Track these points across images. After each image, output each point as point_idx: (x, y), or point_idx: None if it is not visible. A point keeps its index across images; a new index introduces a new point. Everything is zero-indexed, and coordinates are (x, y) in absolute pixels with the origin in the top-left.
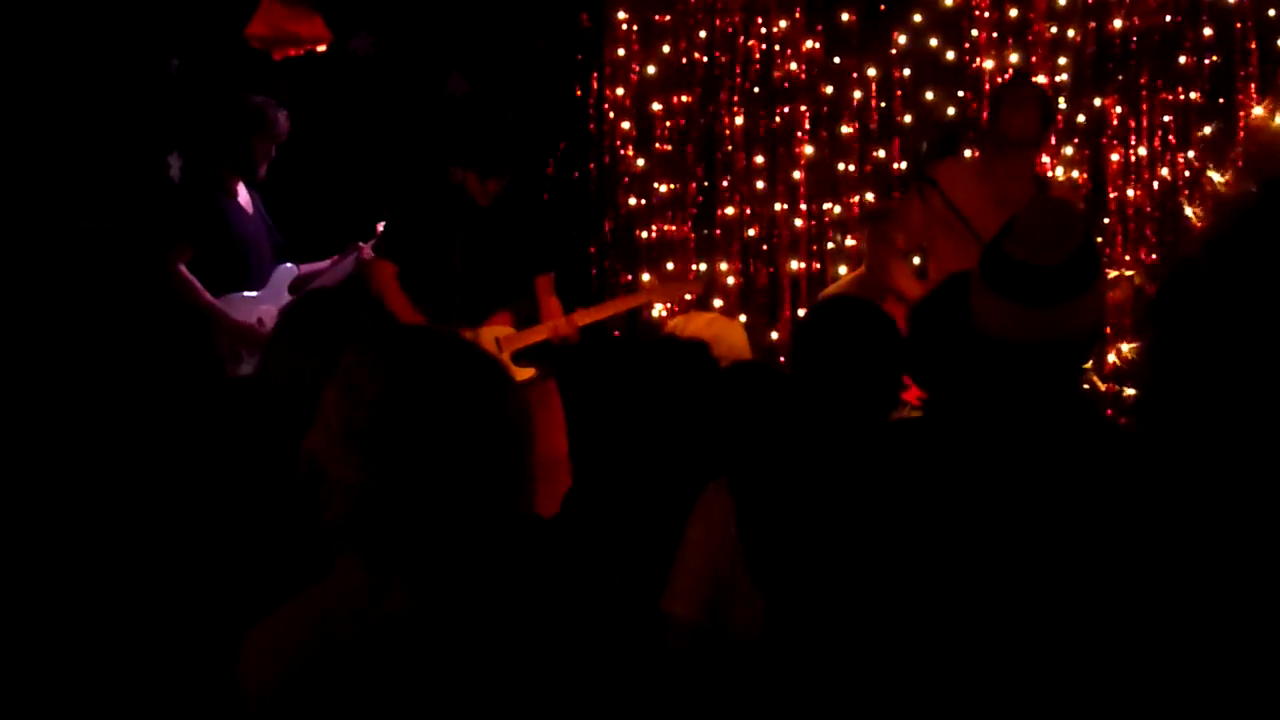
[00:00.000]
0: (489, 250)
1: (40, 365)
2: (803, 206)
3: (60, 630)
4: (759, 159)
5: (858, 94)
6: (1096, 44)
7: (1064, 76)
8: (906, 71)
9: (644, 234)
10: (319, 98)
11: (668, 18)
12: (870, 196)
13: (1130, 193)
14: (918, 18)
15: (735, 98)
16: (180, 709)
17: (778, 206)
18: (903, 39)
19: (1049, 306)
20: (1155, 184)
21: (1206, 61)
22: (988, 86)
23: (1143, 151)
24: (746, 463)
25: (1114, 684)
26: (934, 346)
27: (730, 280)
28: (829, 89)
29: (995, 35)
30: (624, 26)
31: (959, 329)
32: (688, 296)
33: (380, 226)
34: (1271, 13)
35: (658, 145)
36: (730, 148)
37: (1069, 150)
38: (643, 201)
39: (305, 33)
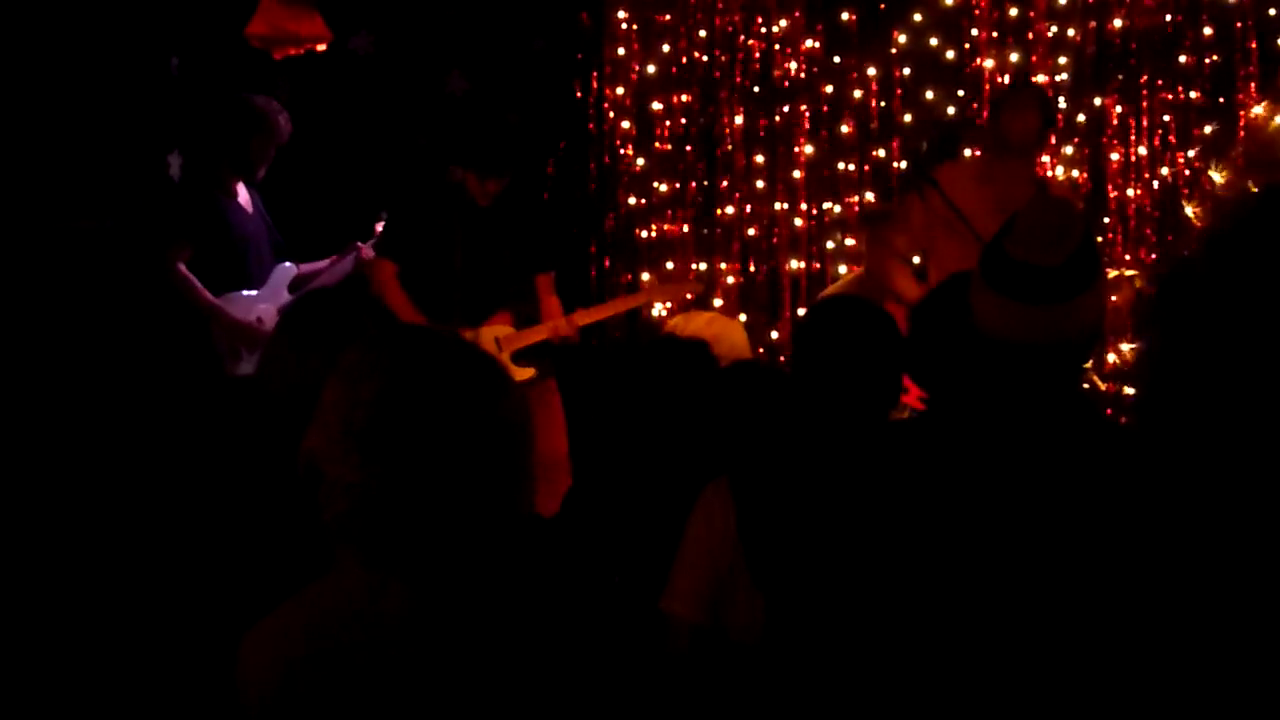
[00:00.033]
0: (489, 250)
1: (40, 364)
2: (803, 206)
3: (59, 630)
4: (759, 158)
5: (858, 93)
6: (1097, 43)
7: (1064, 76)
8: (906, 71)
9: (644, 233)
10: (319, 97)
11: (667, 17)
12: (870, 196)
13: (1130, 192)
14: (918, 17)
15: (735, 97)
16: (180, 709)
17: (778, 206)
18: (903, 38)
19: (1049, 305)
20: (1155, 183)
21: (1207, 61)
22: (988, 86)
23: (1143, 151)
24: (747, 462)
25: (1114, 683)
26: (934, 346)
27: (730, 279)
28: (829, 88)
29: (995, 34)
30: (624, 26)
31: (959, 329)
32: (688, 296)
33: (379, 226)
34: (1272, 12)
35: (658, 144)
36: (730, 147)
37: (1069, 150)
38: (643, 201)
39: (305, 32)
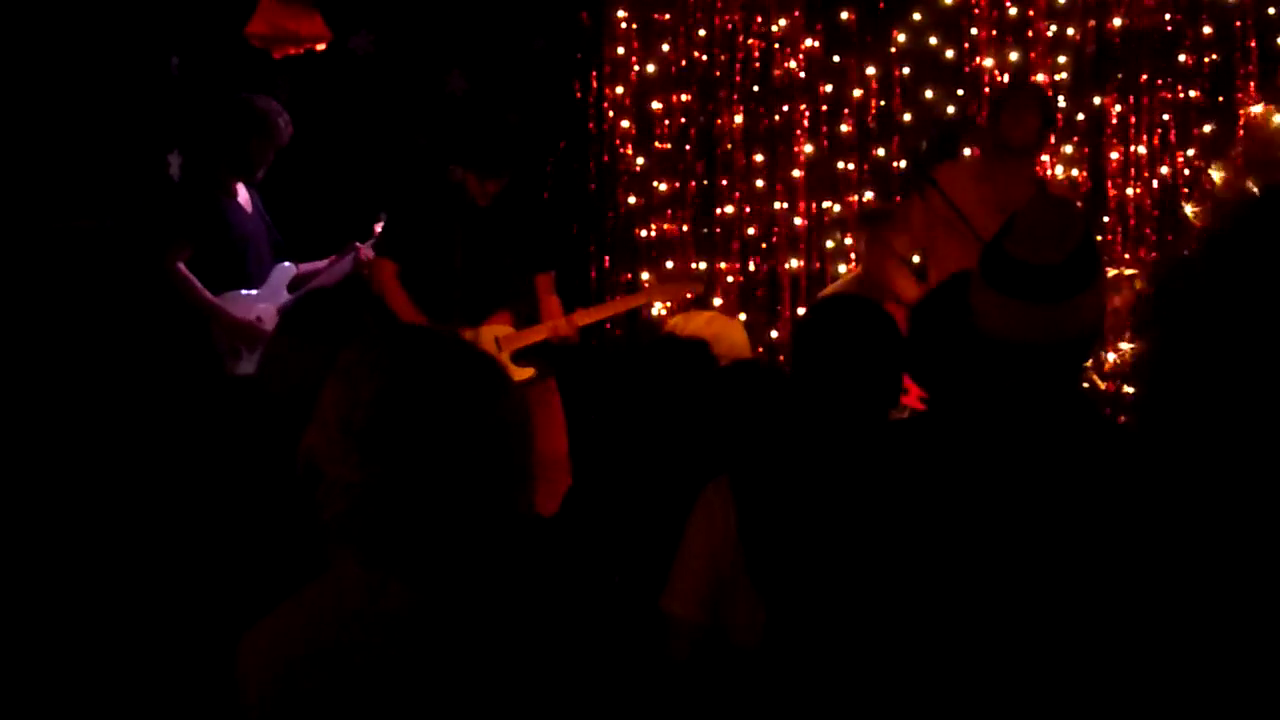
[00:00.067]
0: (489, 249)
1: (40, 364)
2: (802, 205)
3: (58, 630)
4: (758, 157)
5: (857, 92)
6: (1096, 42)
7: (1064, 75)
8: (906, 70)
9: (644, 232)
10: (319, 96)
11: (667, 16)
12: (870, 195)
13: (1130, 191)
14: (917, 16)
15: (735, 96)
16: (179, 709)
17: (777, 205)
18: (902, 37)
19: (1050, 304)
20: (1155, 182)
21: (1206, 60)
22: (987, 85)
23: (1142, 150)
24: (747, 462)
25: (1116, 684)
26: (934, 346)
27: (730, 279)
28: (828, 87)
29: (995, 33)
30: (624, 25)
31: (959, 328)
32: (688, 296)
33: (378, 227)
34: (1271, 11)
35: (657, 144)
36: (730, 146)
37: (1069, 148)
38: (642, 200)
39: (305, 31)
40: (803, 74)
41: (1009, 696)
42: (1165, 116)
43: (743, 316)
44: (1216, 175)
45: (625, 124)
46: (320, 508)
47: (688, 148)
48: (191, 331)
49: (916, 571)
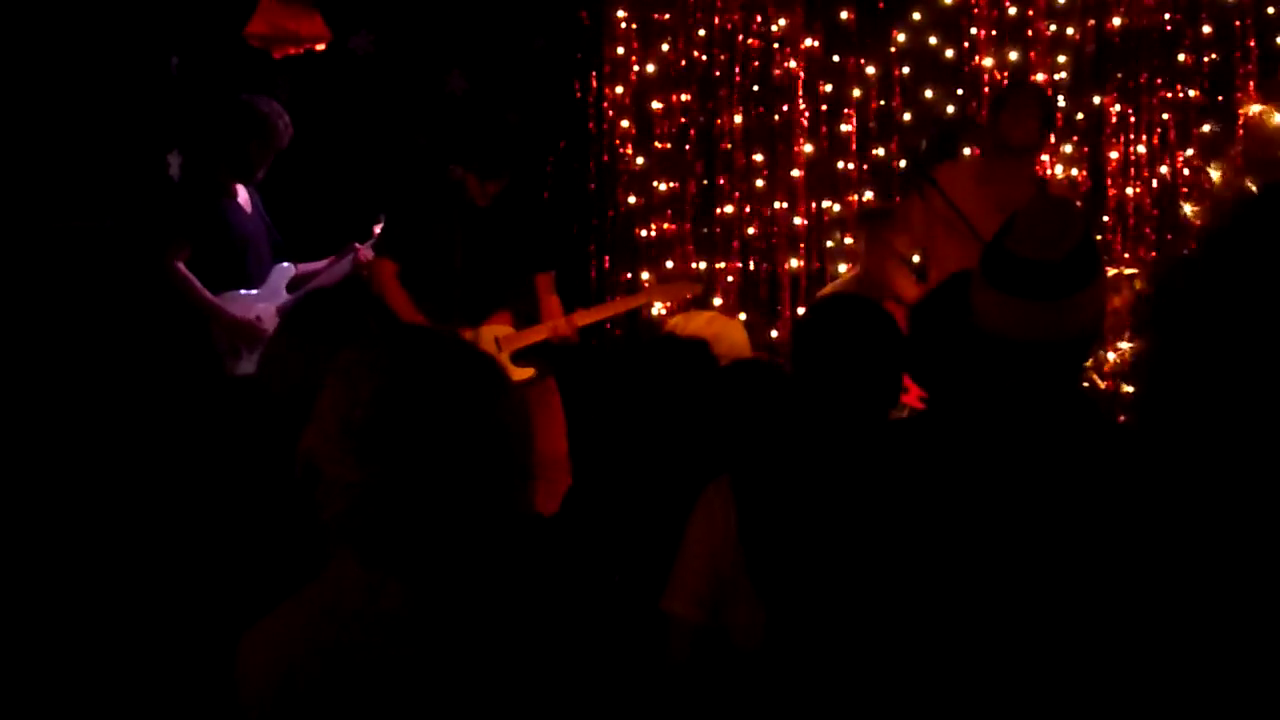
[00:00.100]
0: (489, 249)
1: (40, 364)
2: (802, 205)
3: (58, 630)
4: (758, 157)
5: (857, 92)
6: (1096, 42)
7: (1063, 74)
8: (906, 69)
9: (643, 232)
10: (319, 96)
11: (667, 16)
12: (869, 195)
13: (1129, 191)
14: (917, 16)
15: (735, 96)
16: (179, 709)
17: (777, 204)
18: (902, 37)
19: (1050, 301)
20: (1154, 182)
21: (1206, 59)
22: (987, 85)
23: (1142, 149)
24: (748, 461)
25: (1117, 684)
26: (935, 345)
27: (730, 278)
28: (828, 87)
29: (995, 33)
30: (623, 25)
31: (960, 328)
32: (688, 296)
33: (377, 228)
34: (1271, 10)
35: (657, 143)
36: (729, 146)
37: (1068, 148)
38: (642, 200)
39: (305, 31)
40: (802, 74)
41: (1011, 696)
42: (1165, 116)
43: (743, 316)
44: (1216, 174)
45: (625, 124)
46: (319, 507)
47: (687, 147)
48: (191, 331)
49: (917, 571)
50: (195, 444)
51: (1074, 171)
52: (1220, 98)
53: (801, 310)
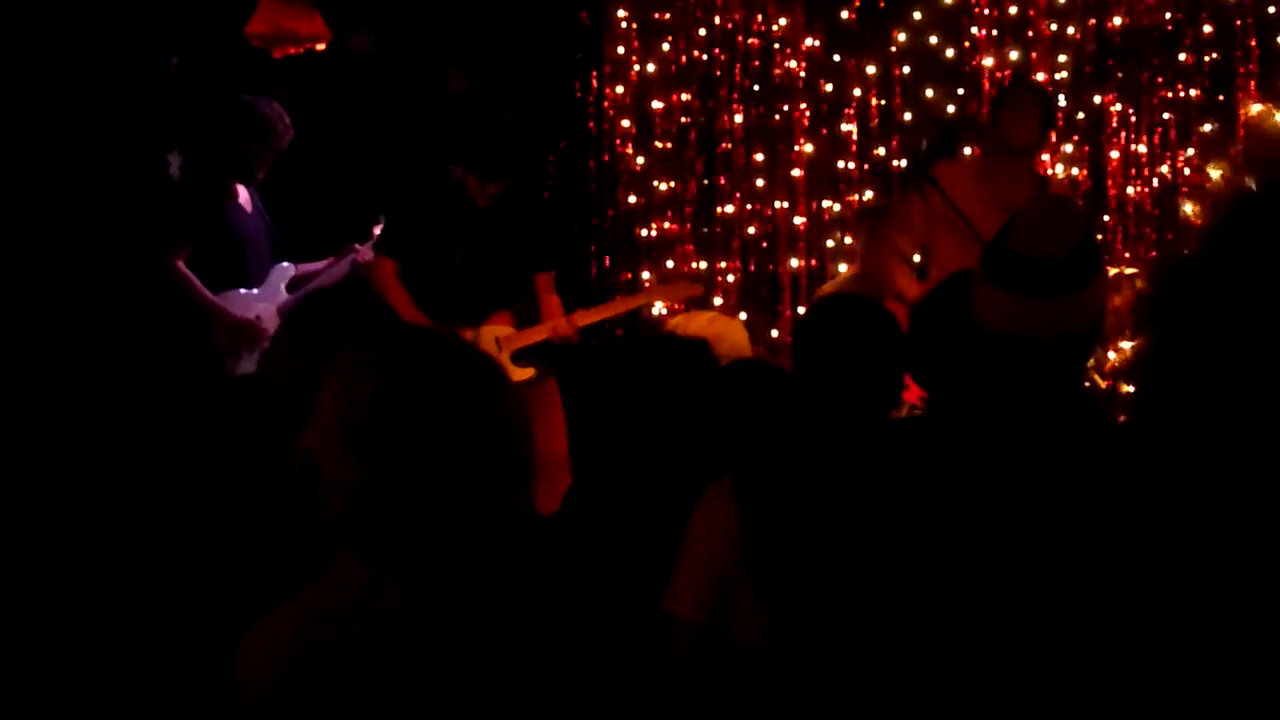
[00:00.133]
0: (489, 248)
1: (40, 363)
2: (802, 204)
3: (59, 630)
4: (759, 156)
5: (857, 91)
6: (1096, 41)
7: (1064, 74)
8: (906, 69)
9: (644, 232)
10: (319, 96)
11: (667, 15)
12: (870, 194)
13: (1130, 190)
14: (918, 15)
15: (735, 95)
16: (180, 709)
17: (777, 204)
18: (902, 36)
19: (1052, 298)
20: (1155, 181)
21: (1206, 59)
22: (988, 84)
23: (1142, 149)
24: (749, 461)
25: (1119, 685)
26: (936, 345)
27: (730, 278)
28: (829, 86)
29: (995, 33)
30: (624, 24)
31: (961, 327)
32: (690, 296)
33: (376, 229)
34: (1271, 10)
35: (657, 143)
36: (730, 145)
37: (1069, 148)
38: (642, 199)
39: (305, 30)
40: (803, 73)
41: (1012, 695)
42: (1165, 115)
43: (743, 316)
44: (1215, 173)
45: (625, 123)
46: (319, 507)
47: (688, 147)
48: (191, 331)
49: (918, 571)
50: (195, 444)
51: (1074, 171)
52: (1221, 97)
53: (801, 310)
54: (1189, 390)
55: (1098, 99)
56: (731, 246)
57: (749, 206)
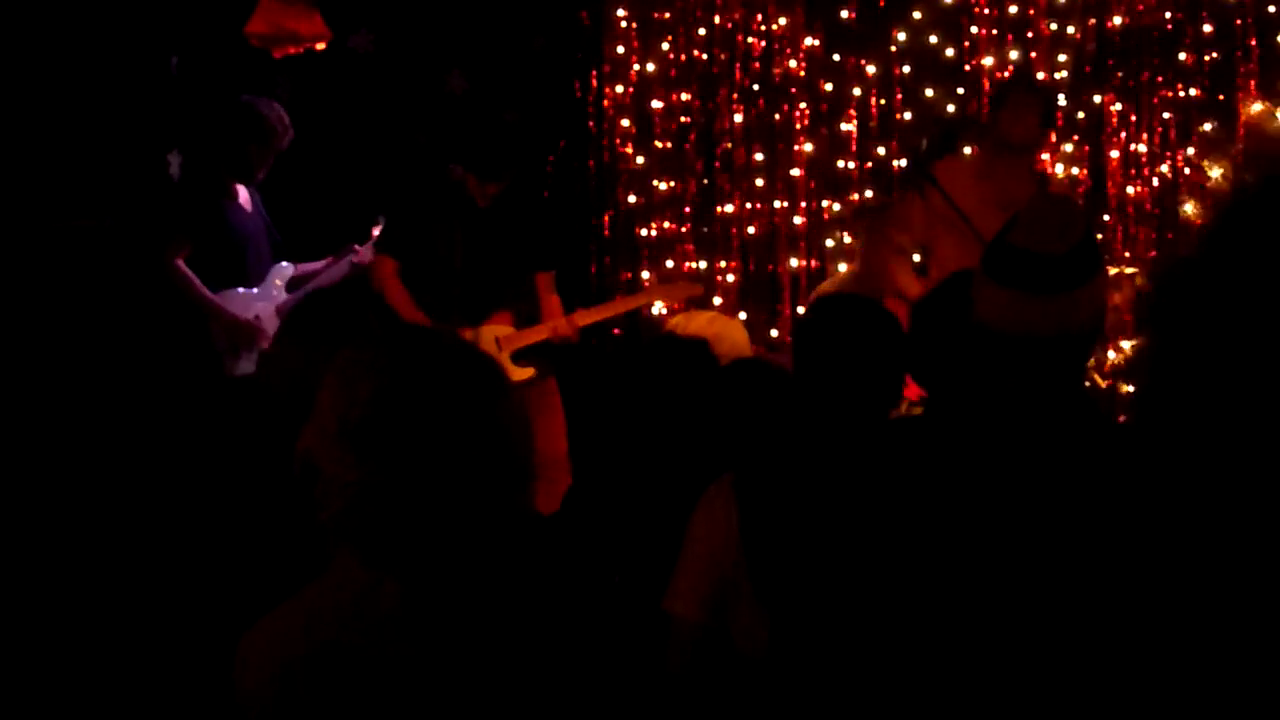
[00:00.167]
0: (489, 248)
1: (39, 363)
2: (802, 204)
3: (59, 630)
4: (759, 156)
5: (857, 91)
6: (1096, 41)
7: (1064, 73)
8: (906, 69)
9: (644, 231)
10: (319, 96)
11: (667, 15)
12: (869, 194)
13: (1130, 190)
14: (917, 15)
15: (735, 95)
16: (180, 709)
17: (777, 204)
18: (902, 36)
19: (1052, 295)
20: (1155, 181)
21: (1206, 58)
22: (988, 84)
23: (1142, 148)
24: (750, 461)
25: (1120, 685)
26: (936, 343)
27: (730, 278)
28: (829, 86)
29: (995, 32)
30: (623, 24)
31: (961, 326)
32: (690, 296)
33: (376, 230)
34: (1271, 9)
35: (657, 143)
36: (730, 145)
37: (1069, 147)
38: (642, 199)
39: (305, 30)
40: (803, 73)
41: (1013, 695)
42: (1165, 115)
43: (743, 316)
44: (1215, 173)
45: (625, 123)
46: (319, 507)
47: (687, 147)
48: (191, 331)
49: (919, 571)
50: (195, 444)
51: (1074, 170)
52: (1221, 97)
53: (801, 310)
54: (1189, 390)
55: (1098, 98)
56: (731, 246)
57: (749, 206)
